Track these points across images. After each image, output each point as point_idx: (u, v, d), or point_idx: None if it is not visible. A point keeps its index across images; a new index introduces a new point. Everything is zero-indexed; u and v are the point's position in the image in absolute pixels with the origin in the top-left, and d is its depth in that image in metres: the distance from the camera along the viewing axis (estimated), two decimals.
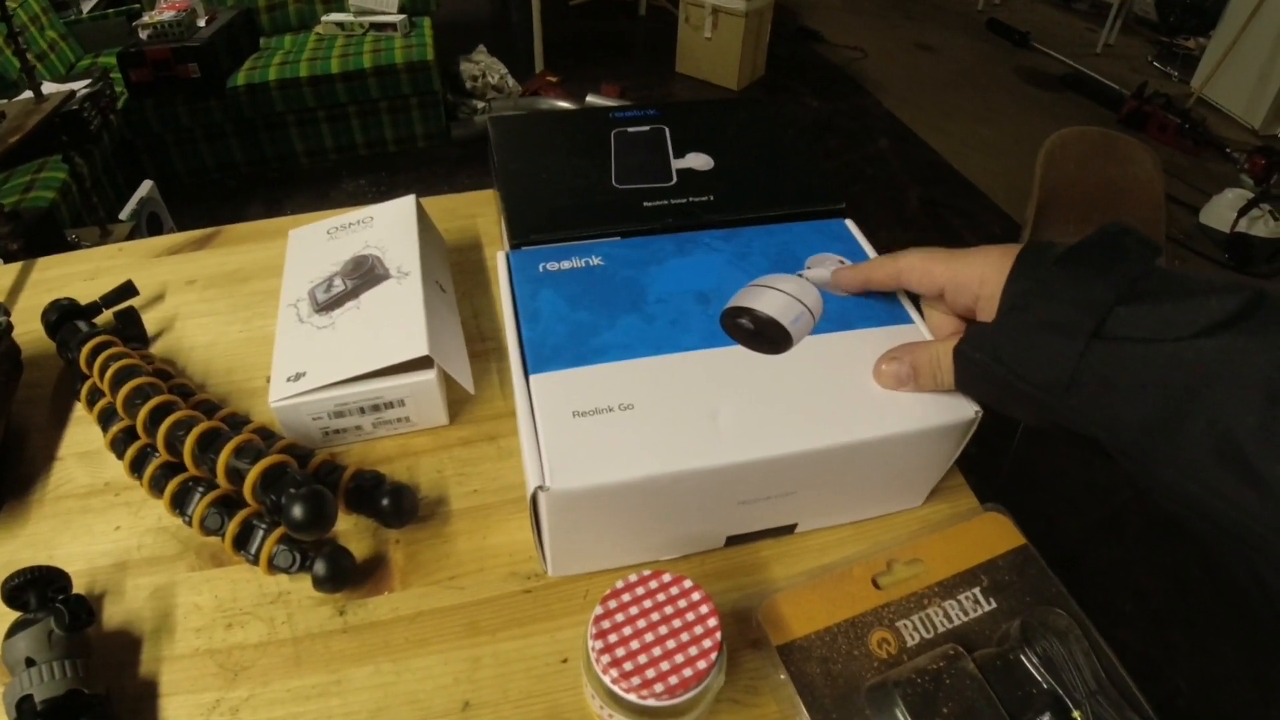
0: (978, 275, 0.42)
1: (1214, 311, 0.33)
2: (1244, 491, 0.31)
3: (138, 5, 2.97)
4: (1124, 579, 1.69)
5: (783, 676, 0.41)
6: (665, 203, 0.56)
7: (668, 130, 0.64)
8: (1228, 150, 3.15)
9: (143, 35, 2.58)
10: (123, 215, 2.10)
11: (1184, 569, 1.69)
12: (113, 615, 0.46)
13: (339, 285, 0.55)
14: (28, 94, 1.78)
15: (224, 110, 2.75)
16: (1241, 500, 0.31)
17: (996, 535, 0.47)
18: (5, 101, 1.82)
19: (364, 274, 0.55)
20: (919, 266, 0.45)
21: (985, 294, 0.41)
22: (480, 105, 3.17)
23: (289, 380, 0.50)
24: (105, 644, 0.44)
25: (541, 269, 0.49)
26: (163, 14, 2.61)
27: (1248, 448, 0.31)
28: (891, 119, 3.47)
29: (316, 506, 0.43)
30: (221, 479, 0.46)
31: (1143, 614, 1.63)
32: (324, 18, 3.04)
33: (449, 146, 3.07)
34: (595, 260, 0.50)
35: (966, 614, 0.43)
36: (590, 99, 3.03)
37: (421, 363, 0.50)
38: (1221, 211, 2.72)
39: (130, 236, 1.95)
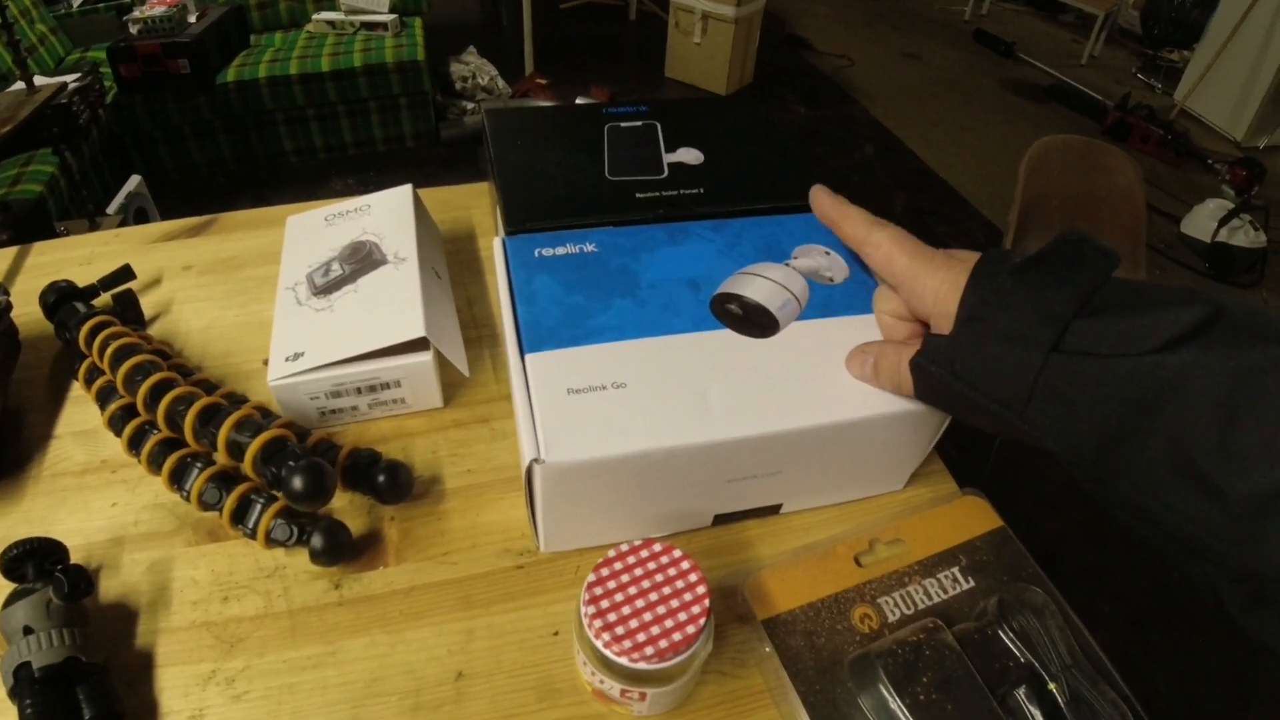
0: (934, 289, 0.41)
1: (1173, 326, 0.33)
2: (1203, 507, 0.31)
3: (128, 0, 2.96)
4: (1104, 581, 1.71)
5: (768, 649, 0.42)
6: (656, 194, 0.57)
7: (659, 126, 0.65)
8: (1209, 161, 3.20)
9: (133, 30, 2.57)
10: (110, 209, 2.10)
11: (1163, 571, 1.71)
12: (109, 589, 0.46)
13: (337, 270, 0.56)
14: (19, 85, 1.77)
15: (213, 107, 2.75)
16: (1200, 515, 0.31)
17: (975, 517, 0.48)
18: None
19: (362, 259, 0.56)
20: (884, 249, 0.45)
21: (940, 311, 0.41)
22: (470, 106, 3.18)
23: (287, 360, 0.51)
24: (102, 616, 0.45)
25: (537, 254, 0.50)
26: (153, 9, 2.60)
27: (1207, 463, 0.31)
28: (878, 127, 3.50)
29: (316, 477, 0.44)
30: (222, 453, 0.46)
31: (1122, 615, 1.65)
32: (315, 16, 3.04)
33: (437, 147, 3.08)
34: (589, 247, 0.51)
35: (946, 591, 0.45)
36: (580, 102, 3.04)
37: (418, 345, 0.51)
38: (1202, 221, 2.76)
39: None
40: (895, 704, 0.39)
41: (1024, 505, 1.83)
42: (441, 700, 0.42)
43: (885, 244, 0.45)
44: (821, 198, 0.50)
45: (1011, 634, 0.41)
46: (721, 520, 0.49)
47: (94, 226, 1.90)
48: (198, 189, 2.84)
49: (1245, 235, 2.65)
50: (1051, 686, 0.40)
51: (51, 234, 1.84)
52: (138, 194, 2.18)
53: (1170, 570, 1.71)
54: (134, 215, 2.13)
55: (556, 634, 0.44)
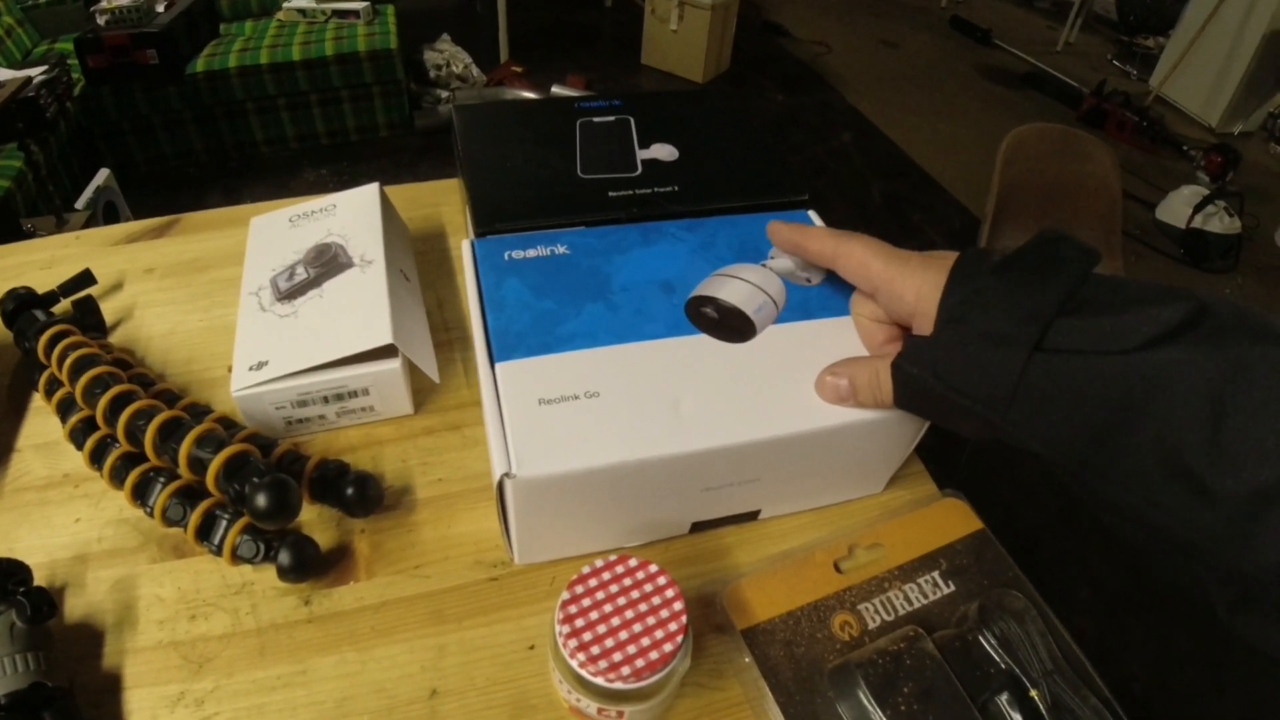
0: (914, 289, 0.40)
1: (1157, 323, 0.32)
2: (1192, 506, 0.31)
3: None
4: (1081, 567, 1.72)
5: (747, 659, 0.41)
6: (630, 193, 0.56)
7: (633, 121, 0.64)
8: (1184, 148, 3.22)
9: (100, 21, 2.53)
10: (79, 204, 2.06)
11: (1140, 557, 1.72)
12: (74, 608, 0.45)
13: (301, 273, 0.55)
14: None
15: (183, 97, 2.70)
16: (1189, 514, 0.31)
17: (955, 520, 0.48)
18: None
19: (327, 262, 0.55)
20: (857, 256, 0.43)
21: (921, 310, 0.40)
22: (444, 95, 3.15)
23: (251, 369, 0.49)
24: (66, 637, 0.43)
25: (507, 257, 0.49)
26: None
27: (1195, 462, 0.30)
28: (855, 114, 3.49)
29: (280, 495, 0.42)
30: (184, 469, 0.45)
31: (1099, 601, 1.67)
32: (286, 4, 3.00)
33: (412, 136, 3.05)
34: (560, 249, 0.50)
35: (926, 597, 0.44)
36: (555, 90, 3.02)
37: (385, 351, 0.50)
38: (1177, 208, 2.78)
39: (87, 225, 1.91)
40: (876, 714, 0.38)
41: (1002, 492, 1.84)
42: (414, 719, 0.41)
43: (858, 251, 0.44)
44: (778, 228, 0.49)
45: (992, 640, 0.41)
46: (699, 527, 0.48)
47: (62, 222, 1.86)
48: (168, 181, 2.80)
49: (1220, 221, 2.67)
50: (1033, 693, 0.39)
51: (18, 231, 1.81)
52: (106, 188, 2.14)
53: (1147, 557, 1.72)
54: (103, 210, 2.09)
55: (532, 648, 0.43)
